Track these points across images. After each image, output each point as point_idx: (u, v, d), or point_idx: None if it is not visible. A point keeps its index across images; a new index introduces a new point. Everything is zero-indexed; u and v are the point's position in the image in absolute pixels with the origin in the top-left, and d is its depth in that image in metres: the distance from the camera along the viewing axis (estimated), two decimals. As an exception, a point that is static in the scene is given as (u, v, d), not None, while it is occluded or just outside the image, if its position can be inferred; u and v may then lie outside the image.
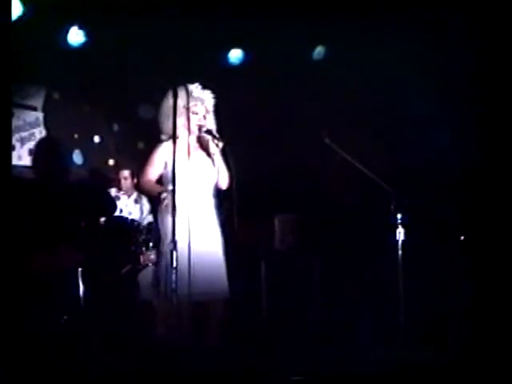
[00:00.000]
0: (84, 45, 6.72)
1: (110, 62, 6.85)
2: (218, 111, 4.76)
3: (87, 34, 6.68)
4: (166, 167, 4.61)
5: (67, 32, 6.64)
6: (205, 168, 4.65)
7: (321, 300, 6.28)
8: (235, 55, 7.32)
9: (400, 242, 4.86)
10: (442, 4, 6.28)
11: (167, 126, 4.54)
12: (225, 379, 4.35)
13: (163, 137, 4.66)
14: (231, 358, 4.61)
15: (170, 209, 4.25)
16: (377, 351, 4.99)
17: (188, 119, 4.60)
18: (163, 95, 4.68)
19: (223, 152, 4.63)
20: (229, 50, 7.27)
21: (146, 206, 6.74)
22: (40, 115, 7.20)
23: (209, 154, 4.67)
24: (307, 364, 4.72)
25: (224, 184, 4.70)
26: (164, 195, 4.44)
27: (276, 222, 6.54)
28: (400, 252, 4.85)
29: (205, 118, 4.66)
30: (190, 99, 4.60)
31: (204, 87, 4.70)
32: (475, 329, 5.40)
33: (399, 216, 4.86)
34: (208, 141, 4.65)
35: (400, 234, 4.86)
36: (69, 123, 7.34)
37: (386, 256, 5.11)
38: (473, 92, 6.61)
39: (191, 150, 4.62)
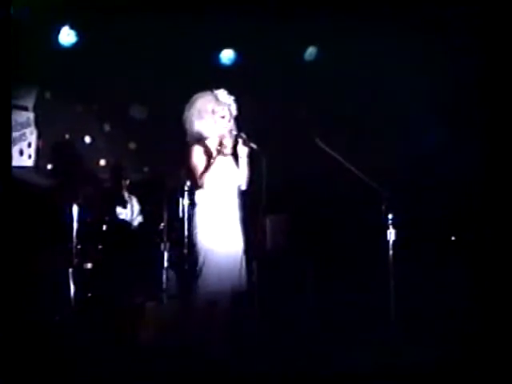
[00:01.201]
0: (75, 45, 6.72)
1: (102, 62, 6.84)
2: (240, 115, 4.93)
3: (78, 34, 6.68)
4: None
5: (58, 32, 6.63)
6: (231, 170, 4.83)
7: (313, 300, 6.29)
8: (227, 56, 7.32)
9: (391, 243, 4.89)
10: (436, 3, 6.31)
11: (196, 129, 4.78)
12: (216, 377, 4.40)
13: (191, 139, 4.81)
14: (223, 357, 4.66)
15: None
16: (368, 350, 5.01)
17: (215, 122, 4.79)
18: (182, 99, 4.89)
19: (250, 155, 4.81)
20: (220, 50, 7.28)
21: (136, 206, 6.74)
22: (31, 115, 7.19)
23: (235, 157, 4.84)
24: (298, 363, 4.75)
25: (245, 185, 4.88)
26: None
27: (268, 222, 6.55)
28: (391, 252, 4.88)
29: (229, 121, 4.84)
30: (217, 103, 4.80)
31: (229, 93, 4.87)
32: (465, 328, 5.43)
33: (390, 216, 4.89)
34: (236, 143, 4.81)
35: (391, 234, 4.89)
36: (60, 123, 7.33)
37: (377, 256, 5.13)
38: (462, 91, 6.65)
39: (218, 152, 4.78)
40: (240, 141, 4.81)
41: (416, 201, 6.42)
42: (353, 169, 4.95)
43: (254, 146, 4.76)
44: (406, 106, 6.88)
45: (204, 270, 4.66)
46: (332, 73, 7.07)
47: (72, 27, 6.65)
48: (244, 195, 4.88)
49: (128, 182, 6.89)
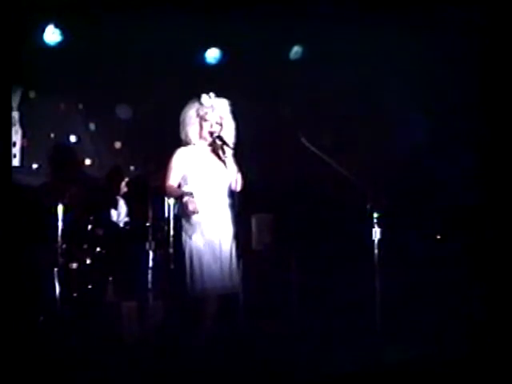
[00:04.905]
0: (60, 44, 6.70)
1: (87, 61, 6.82)
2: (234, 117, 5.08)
3: (63, 33, 6.66)
4: (183, 171, 4.99)
5: (43, 31, 6.61)
6: (218, 171, 4.98)
7: (298, 300, 6.30)
8: (212, 55, 7.31)
9: (376, 241, 4.91)
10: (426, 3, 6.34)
11: (183, 134, 5.01)
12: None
13: (182, 143, 5.03)
14: (210, 356, 4.68)
15: (196, 210, 4.74)
16: (354, 349, 5.02)
17: (200, 127, 4.99)
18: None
19: (235, 156, 4.98)
20: (206, 49, 7.27)
21: (124, 208, 6.71)
22: (15, 114, 7.15)
23: (221, 159, 5.00)
24: (283, 363, 4.76)
25: (237, 186, 4.99)
26: (186, 198, 4.79)
27: (253, 221, 6.56)
28: (376, 251, 4.90)
29: (220, 124, 5.00)
30: (202, 108, 4.99)
31: (217, 95, 5.04)
32: (452, 327, 5.46)
33: (375, 215, 4.91)
34: (220, 146, 4.99)
35: (376, 233, 4.91)
36: (45, 122, 7.29)
37: (362, 255, 5.15)
38: (448, 89, 6.68)
39: (205, 155, 5.02)
40: (224, 142, 4.95)
41: (401, 199, 6.44)
42: (338, 168, 4.97)
43: (230, 148, 4.95)
44: (393, 104, 6.90)
45: (193, 270, 4.77)
46: (318, 72, 7.07)
47: (57, 26, 6.64)
48: (233, 195, 4.95)
49: (124, 182, 6.82)
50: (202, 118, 4.98)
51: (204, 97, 5.00)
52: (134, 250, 5.69)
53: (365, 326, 5.05)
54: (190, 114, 4.99)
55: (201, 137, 5.00)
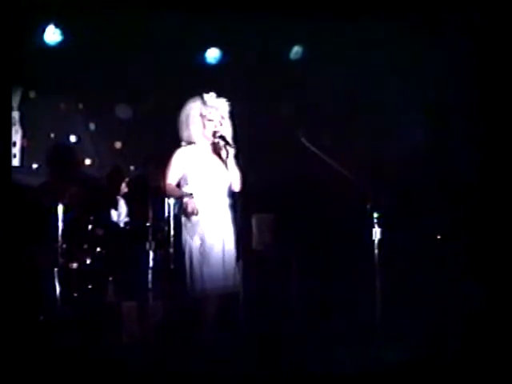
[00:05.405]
0: (61, 43, 6.70)
1: (87, 61, 6.82)
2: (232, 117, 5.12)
3: (64, 33, 6.66)
4: (183, 171, 5.02)
5: (44, 31, 6.61)
6: (219, 171, 5.00)
7: (298, 300, 6.29)
8: (212, 55, 7.31)
9: (376, 241, 4.91)
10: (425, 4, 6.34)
11: (185, 133, 5.03)
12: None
13: (182, 143, 5.06)
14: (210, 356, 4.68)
15: (196, 211, 4.78)
16: (354, 349, 5.02)
17: (203, 126, 5.00)
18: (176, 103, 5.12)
19: (236, 156, 5.01)
20: (206, 49, 7.27)
21: (124, 208, 6.71)
22: (16, 114, 7.15)
23: (222, 159, 5.02)
24: (283, 363, 4.76)
25: (237, 186, 5.04)
26: (186, 199, 4.84)
27: (254, 221, 6.55)
28: (376, 251, 4.90)
29: (221, 124, 5.02)
30: (205, 107, 5.00)
31: (218, 95, 5.07)
32: (452, 326, 5.46)
33: (375, 215, 4.91)
34: (222, 146, 5.00)
35: (376, 233, 4.92)
36: (45, 122, 7.29)
37: (362, 255, 5.15)
38: (448, 90, 6.69)
39: (207, 155, 5.04)
40: (227, 142, 4.97)
41: (401, 199, 6.44)
42: (338, 168, 4.97)
43: (232, 148, 4.95)
44: (393, 104, 6.90)
45: (194, 270, 4.82)
46: (318, 72, 7.08)
47: (57, 26, 6.64)
48: (233, 195, 4.95)
49: (124, 182, 6.81)
50: (205, 118, 4.99)
51: (207, 96, 5.02)
52: (134, 250, 5.69)
53: (365, 326, 5.05)
54: (193, 113, 5.00)
55: (203, 136, 5.02)
